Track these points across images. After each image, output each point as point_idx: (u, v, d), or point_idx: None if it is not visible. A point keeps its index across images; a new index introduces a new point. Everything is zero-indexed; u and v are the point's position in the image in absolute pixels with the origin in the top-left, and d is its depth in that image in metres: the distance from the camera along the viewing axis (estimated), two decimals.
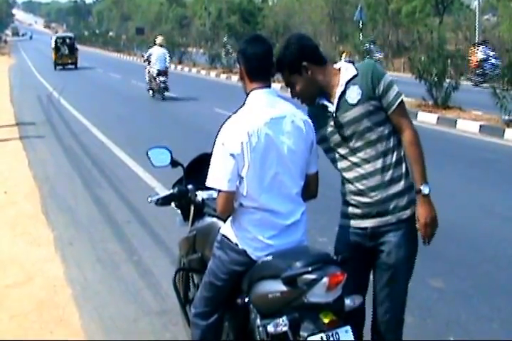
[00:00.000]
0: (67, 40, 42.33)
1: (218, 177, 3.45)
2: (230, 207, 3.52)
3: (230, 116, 3.59)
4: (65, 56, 41.23)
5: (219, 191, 3.48)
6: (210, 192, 4.21)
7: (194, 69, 39.78)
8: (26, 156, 12.54)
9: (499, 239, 7.35)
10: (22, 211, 8.63)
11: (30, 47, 75.55)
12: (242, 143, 3.41)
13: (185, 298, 4.58)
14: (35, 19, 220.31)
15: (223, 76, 33.63)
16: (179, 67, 42.89)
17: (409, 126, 3.63)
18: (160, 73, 22.31)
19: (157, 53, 22.74)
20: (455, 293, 5.87)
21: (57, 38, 43.66)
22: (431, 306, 5.57)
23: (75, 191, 9.75)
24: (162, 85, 22.23)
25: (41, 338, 4.99)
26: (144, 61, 24.08)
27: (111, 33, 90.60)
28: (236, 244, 3.59)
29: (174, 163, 4.48)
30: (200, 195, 4.26)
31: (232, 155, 3.42)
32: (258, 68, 3.59)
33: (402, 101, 3.62)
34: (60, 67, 40.96)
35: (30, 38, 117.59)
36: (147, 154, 4.45)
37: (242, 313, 3.62)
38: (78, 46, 45.35)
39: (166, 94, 22.52)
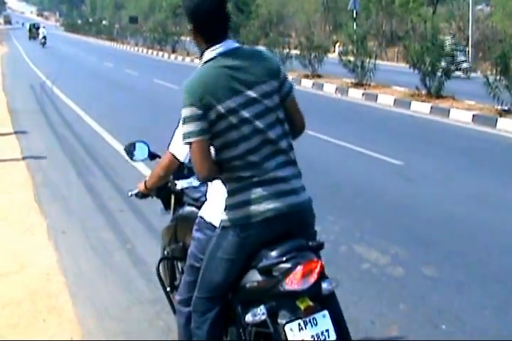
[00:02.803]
0: (35, 25, 71.78)
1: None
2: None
3: None
4: (33, 33, 68.75)
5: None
6: (190, 180, 4.24)
7: (188, 59, 39.69)
8: (19, 145, 12.49)
9: (492, 228, 7.38)
10: (15, 200, 8.61)
11: (22, 35, 75.30)
12: None
13: (171, 286, 4.61)
14: (30, 9, 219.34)
15: None
16: (173, 56, 42.85)
17: None
18: (43, 38, 56.02)
19: (41, 32, 58.34)
20: (448, 281, 5.89)
21: (30, 24, 75.04)
22: (424, 294, 5.59)
23: (67, 179, 9.73)
24: (43, 42, 55.54)
25: (34, 326, 4.99)
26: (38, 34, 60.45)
27: (104, 22, 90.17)
28: (211, 224, 3.67)
29: (152, 156, 4.54)
30: (180, 184, 4.28)
31: None
32: None
33: None
34: (32, 39, 67.16)
35: (22, 24, 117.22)
36: (125, 150, 4.50)
37: None
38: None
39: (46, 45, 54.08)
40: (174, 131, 3.82)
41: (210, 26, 3.34)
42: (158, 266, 4.53)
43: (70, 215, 7.93)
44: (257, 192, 3.30)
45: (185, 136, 3.27)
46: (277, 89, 3.39)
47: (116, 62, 36.83)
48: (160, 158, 4.42)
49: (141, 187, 4.21)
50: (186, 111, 3.26)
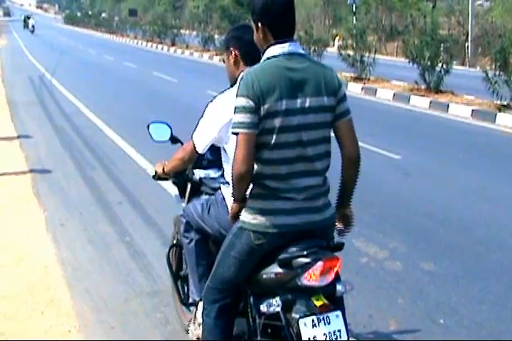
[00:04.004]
0: (28, 16, 77.08)
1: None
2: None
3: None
4: (27, 23, 73.92)
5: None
6: (208, 171, 4.27)
7: (187, 52, 39.65)
8: (17, 137, 12.46)
9: (490, 223, 7.39)
10: (13, 192, 8.61)
11: (22, 27, 75.15)
12: None
13: (177, 274, 4.61)
14: (29, 1, 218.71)
15: (216, 58, 33.51)
16: (172, 49, 42.78)
17: None
18: (32, 26, 68.13)
19: (31, 22, 69.84)
20: (446, 275, 5.90)
21: (24, 15, 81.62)
22: (422, 288, 5.60)
23: (66, 172, 9.73)
24: (32, 30, 67.09)
25: (32, 318, 4.99)
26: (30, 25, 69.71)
27: (103, 15, 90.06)
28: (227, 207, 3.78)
29: (174, 139, 4.53)
30: (198, 174, 4.29)
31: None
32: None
33: None
34: (26, 27, 72.76)
35: (21, 16, 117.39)
36: (148, 128, 4.47)
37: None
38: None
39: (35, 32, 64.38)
40: (198, 120, 3.79)
41: (281, 23, 3.32)
42: (169, 253, 4.55)
43: (69, 208, 7.92)
44: (279, 204, 3.30)
45: (235, 125, 3.21)
46: (333, 107, 3.32)
47: (115, 54, 36.79)
48: (182, 143, 4.42)
49: (158, 169, 4.21)
50: (240, 101, 3.20)
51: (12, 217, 7.54)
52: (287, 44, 3.29)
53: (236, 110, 3.21)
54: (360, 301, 5.24)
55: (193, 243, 4.13)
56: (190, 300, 4.31)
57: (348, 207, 3.57)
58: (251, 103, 3.18)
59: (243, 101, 3.19)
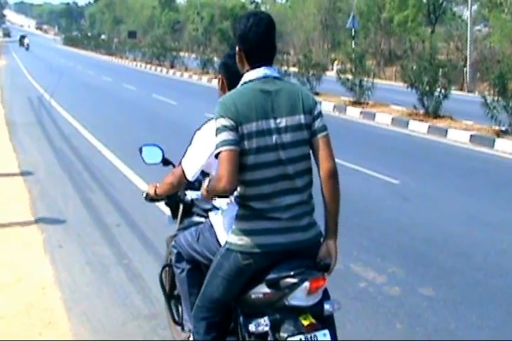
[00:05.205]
0: (23, 36, 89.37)
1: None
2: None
3: None
4: (22, 41, 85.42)
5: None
6: (199, 192, 4.27)
7: (186, 74, 39.82)
8: (16, 158, 12.49)
9: (488, 248, 7.38)
10: (11, 213, 8.60)
11: (21, 48, 76.01)
12: None
13: (170, 294, 4.62)
14: (28, 23, 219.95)
15: (215, 81, 33.62)
16: (171, 71, 42.96)
17: None
18: (27, 44, 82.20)
19: (25, 41, 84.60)
20: (444, 300, 5.88)
21: (20, 35, 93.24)
22: (420, 314, 5.58)
23: (65, 193, 9.72)
24: (27, 48, 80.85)
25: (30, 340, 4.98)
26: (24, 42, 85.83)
27: (103, 36, 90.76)
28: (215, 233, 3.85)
29: (165, 162, 4.56)
30: (190, 195, 4.30)
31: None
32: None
33: None
34: (21, 45, 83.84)
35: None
36: (139, 151, 4.50)
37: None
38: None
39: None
40: (187, 147, 3.81)
41: (257, 50, 3.41)
42: (161, 272, 4.56)
43: (67, 229, 7.91)
44: (265, 225, 3.33)
45: (218, 145, 3.25)
46: (309, 124, 3.38)
47: (114, 76, 36.93)
48: (174, 165, 4.44)
49: (150, 191, 4.21)
50: (220, 121, 3.27)
51: (10, 238, 7.52)
52: (262, 68, 3.40)
53: (217, 131, 3.27)
54: (358, 326, 5.22)
55: (184, 273, 4.16)
56: (186, 328, 4.30)
57: (333, 238, 3.54)
58: (231, 122, 3.26)
59: (223, 121, 3.27)
